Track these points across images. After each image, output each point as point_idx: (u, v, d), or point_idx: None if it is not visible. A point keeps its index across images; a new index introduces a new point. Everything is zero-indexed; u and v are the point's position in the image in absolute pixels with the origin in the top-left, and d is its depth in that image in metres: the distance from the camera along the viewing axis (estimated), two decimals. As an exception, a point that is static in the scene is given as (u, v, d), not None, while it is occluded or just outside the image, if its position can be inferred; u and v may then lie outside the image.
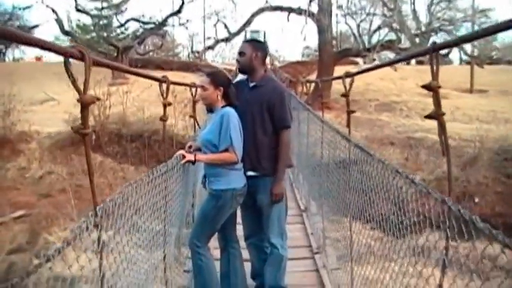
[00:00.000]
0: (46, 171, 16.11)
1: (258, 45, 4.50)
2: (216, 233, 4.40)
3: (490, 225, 1.63)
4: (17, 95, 17.73)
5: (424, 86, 2.18)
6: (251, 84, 4.38)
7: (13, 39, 1.67)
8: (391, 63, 4.40)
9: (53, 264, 1.85)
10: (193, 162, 4.16)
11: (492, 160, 15.44)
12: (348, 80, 4.23)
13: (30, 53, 45.85)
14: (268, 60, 28.02)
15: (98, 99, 2.34)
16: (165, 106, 4.08)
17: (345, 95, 4.11)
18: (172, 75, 5.81)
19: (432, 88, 2.12)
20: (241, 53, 4.42)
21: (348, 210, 4.18)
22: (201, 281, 4.23)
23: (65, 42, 34.84)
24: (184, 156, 4.03)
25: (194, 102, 5.95)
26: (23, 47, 45.62)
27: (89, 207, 2.28)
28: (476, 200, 14.56)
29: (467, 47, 29.53)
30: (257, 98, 4.29)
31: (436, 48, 2.14)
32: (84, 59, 2.11)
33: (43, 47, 1.84)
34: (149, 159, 15.34)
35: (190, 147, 4.41)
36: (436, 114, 2.16)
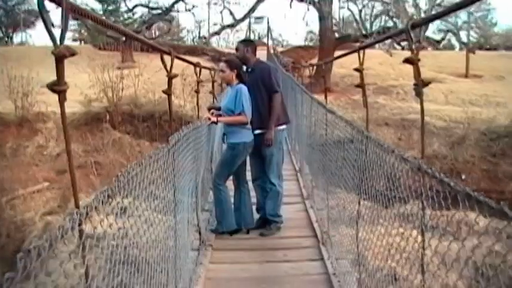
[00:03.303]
0: (63, 149, 16.95)
1: (247, 43, 6.40)
2: (232, 176, 6.00)
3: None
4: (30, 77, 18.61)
5: (355, 69, 3.46)
6: (249, 70, 6.05)
7: None
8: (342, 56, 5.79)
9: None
10: (216, 123, 5.69)
11: (479, 140, 16.39)
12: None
13: (36, 36, 46.45)
14: (270, 44, 28.98)
15: (176, 75, 3.42)
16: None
17: (323, 76, 5.45)
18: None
19: (359, 70, 3.41)
20: (236, 50, 6.31)
21: (325, 174, 5.56)
22: (220, 208, 5.85)
23: (74, 26, 35.95)
24: (209, 119, 5.51)
25: (213, 82, 7.84)
26: (29, 31, 46.57)
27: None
28: (463, 176, 15.58)
29: (462, 34, 30.38)
30: (254, 77, 5.94)
31: (361, 47, 3.47)
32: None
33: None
34: (160, 137, 16.42)
35: (209, 109, 5.96)
36: (362, 85, 3.43)
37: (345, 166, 4.21)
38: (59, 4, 1.72)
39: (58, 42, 1.72)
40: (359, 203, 3.50)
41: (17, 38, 46.46)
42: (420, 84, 2.39)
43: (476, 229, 3.50)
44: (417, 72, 2.40)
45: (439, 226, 2.97)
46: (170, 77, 3.29)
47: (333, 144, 5.05)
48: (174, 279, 3.55)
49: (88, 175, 13.74)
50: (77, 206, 1.77)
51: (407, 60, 2.46)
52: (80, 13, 1.93)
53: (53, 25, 1.66)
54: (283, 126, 6.31)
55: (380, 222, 3.27)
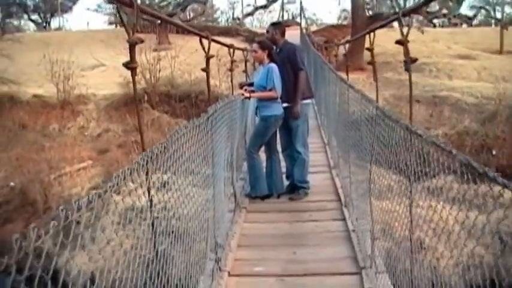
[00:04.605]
0: (103, 129, 18.02)
1: (276, 26, 7.13)
2: (263, 147, 6.68)
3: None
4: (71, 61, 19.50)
5: (366, 48, 3.94)
6: (277, 50, 6.62)
7: None
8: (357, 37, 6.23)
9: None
10: (249, 98, 6.38)
11: (510, 116, 16.41)
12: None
13: (72, 21, 47.37)
14: (303, 23, 29.37)
15: (213, 56, 3.92)
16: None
17: (345, 55, 5.96)
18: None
19: (370, 49, 3.88)
20: (267, 31, 6.94)
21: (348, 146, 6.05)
22: (253, 175, 6.56)
23: (110, 9, 36.81)
24: (243, 94, 6.17)
25: (246, 61, 8.76)
26: (65, 16, 47.56)
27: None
28: (494, 152, 15.68)
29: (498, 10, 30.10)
30: (282, 57, 6.55)
31: (371, 30, 3.93)
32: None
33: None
34: (197, 116, 16.79)
35: (242, 86, 6.66)
36: (372, 61, 3.92)
37: (361, 137, 4.70)
38: (131, 6, 2.32)
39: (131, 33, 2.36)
40: (370, 163, 4.00)
41: (54, 23, 47.62)
42: (409, 61, 2.91)
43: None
44: (406, 51, 2.92)
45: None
46: (208, 58, 3.87)
47: (356, 119, 5.52)
48: (213, 237, 4.12)
49: (128, 154, 14.40)
50: (143, 149, 2.36)
51: (398, 42, 2.98)
52: (145, 12, 2.58)
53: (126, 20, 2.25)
54: (308, 101, 7.03)
55: (386, 184, 3.76)
